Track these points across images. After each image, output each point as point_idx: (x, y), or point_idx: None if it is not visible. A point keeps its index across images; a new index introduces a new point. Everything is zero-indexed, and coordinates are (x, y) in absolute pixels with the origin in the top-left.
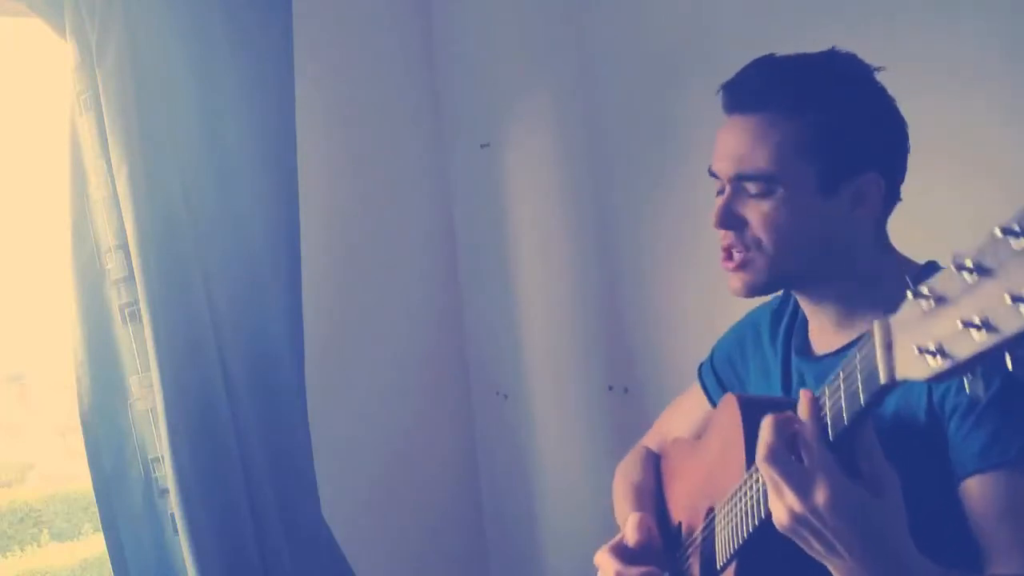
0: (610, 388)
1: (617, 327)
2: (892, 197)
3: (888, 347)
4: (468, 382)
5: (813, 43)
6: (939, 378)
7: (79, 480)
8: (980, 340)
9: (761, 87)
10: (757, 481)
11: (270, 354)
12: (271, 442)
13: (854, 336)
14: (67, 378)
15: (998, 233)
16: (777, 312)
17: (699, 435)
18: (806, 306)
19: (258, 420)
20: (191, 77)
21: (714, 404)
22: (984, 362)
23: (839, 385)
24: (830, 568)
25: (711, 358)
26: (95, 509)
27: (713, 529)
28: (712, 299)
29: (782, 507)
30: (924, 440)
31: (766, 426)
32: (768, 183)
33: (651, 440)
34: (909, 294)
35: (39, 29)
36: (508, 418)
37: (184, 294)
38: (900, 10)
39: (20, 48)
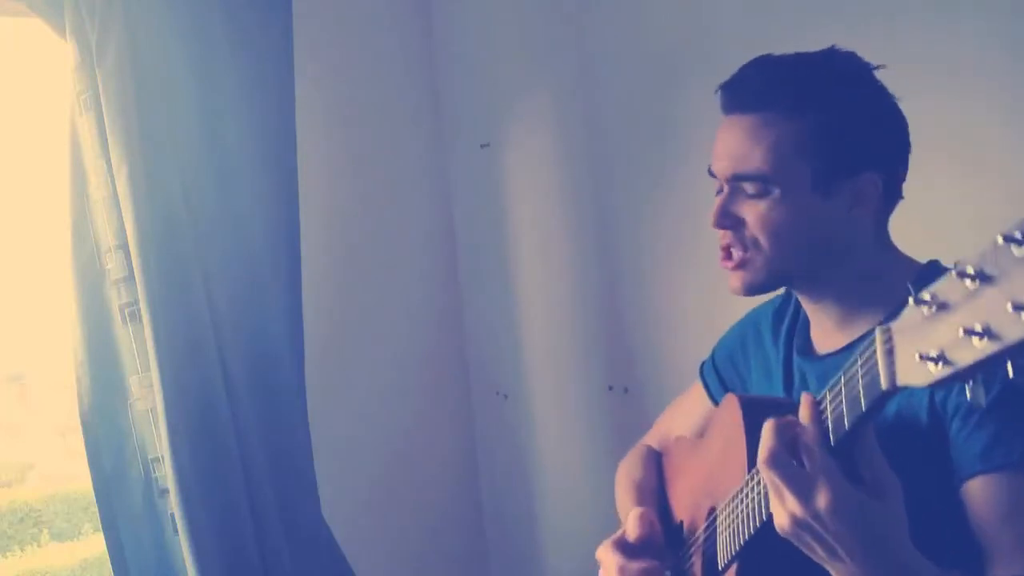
0: (610, 388)
1: (617, 327)
2: (892, 196)
3: (889, 353)
4: (468, 382)
5: (813, 43)
6: (940, 385)
7: (79, 480)
8: (981, 348)
9: (759, 87)
10: (759, 483)
11: (270, 354)
12: (271, 442)
13: (855, 336)
14: (67, 378)
15: (1000, 240)
16: (779, 311)
17: (701, 434)
18: (807, 305)
19: (258, 420)
20: (191, 77)
21: (716, 403)
22: (985, 369)
23: (840, 389)
24: (832, 572)
25: (713, 357)
26: (95, 509)
27: (715, 529)
28: (712, 299)
29: (783, 511)
30: (926, 441)
31: (767, 430)
32: (764, 183)
33: (653, 438)
34: (911, 300)
35: (39, 29)
36: (508, 418)
37: (184, 294)
38: (900, 10)
39: (20, 48)
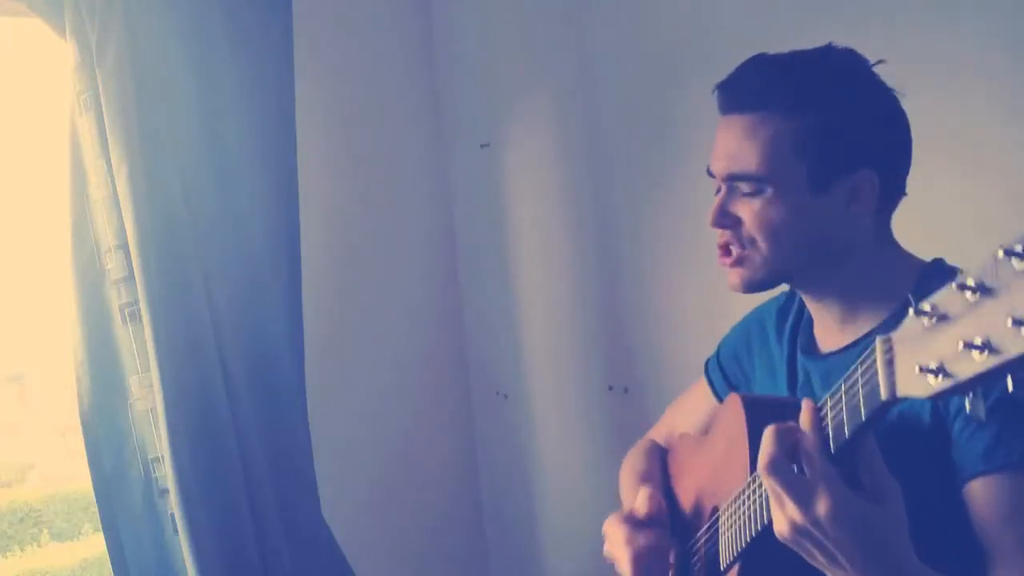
0: (610, 388)
1: (617, 327)
2: (892, 193)
3: (889, 363)
4: (468, 382)
5: (813, 43)
6: (939, 396)
7: (79, 480)
8: (981, 361)
9: (755, 87)
10: (760, 486)
11: (270, 354)
12: (271, 442)
13: (859, 334)
14: (67, 378)
15: (1000, 253)
16: (783, 309)
17: (705, 431)
18: (810, 303)
19: (258, 420)
20: (191, 77)
21: (720, 400)
22: (985, 383)
23: (841, 397)
24: None
25: (717, 354)
26: (95, 509)
27: (717, 529)
28: (712, 299)
29: (783, 518)
30: (928, 441)
31: (767, 436)
32: (757, 183)
33: (658, 433)
34: (911, 311)
35: (39, 29)
36: (508, 418)
37: (184, 294)
38: (900, 10)
39: (20, 48)
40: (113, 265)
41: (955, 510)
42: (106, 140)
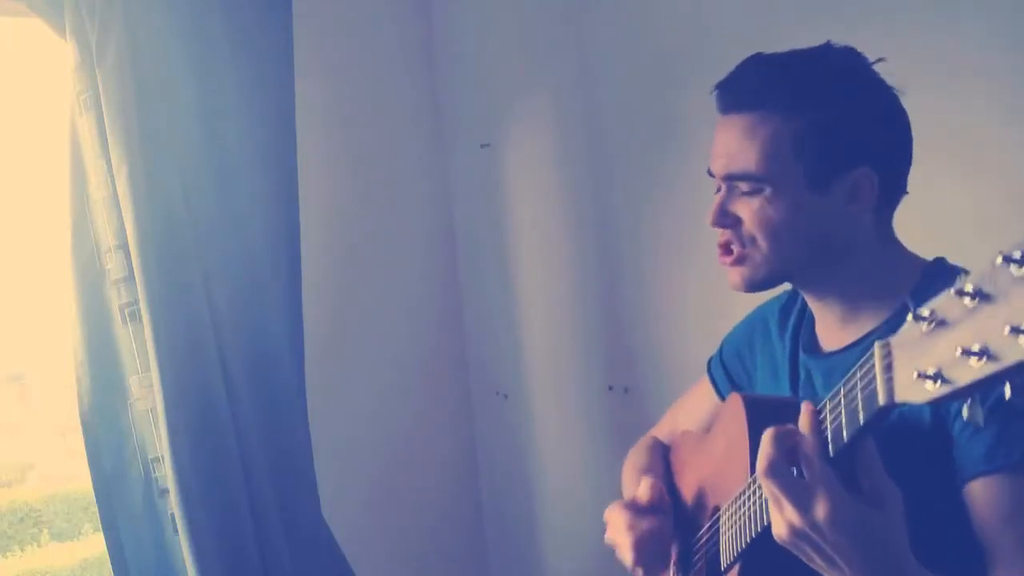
0: (610, 388)
1: (617, 327)
2: (893, 190)
3: (888, 368)
4: (468, 382)
5: (812, 43)
6: (937, 402)
7: (79, 480)
8: (979, 368)
9: (753, 86)
10: (760, 488)
11: (270, 354)
12: (271, 442)
13: (860, 333)
14: (67, 378)
15: (999, 260)
16: (785, 307)
17: (708, 429)
18: (811, 302)
19: (258, 420)
20: (191, 77)
21: (723, 398)
22: (983, 389)
23: (840, 401)
24: None
25: (720, 352)
26: (95, 509)
27: (718, 529)
28: (712, 299)
29: (782, 521)
30: (929, 441)
31: (766, 439)
32: (755, 182)
33: (660, 431)
34: (910, 316)
35: (39, 29)
36: (508, 418)
37: (184, 294)
38: (900, 10)
39: (20, 48)
40: (113, 265)
41: (955, 510)
42: (106, 140)
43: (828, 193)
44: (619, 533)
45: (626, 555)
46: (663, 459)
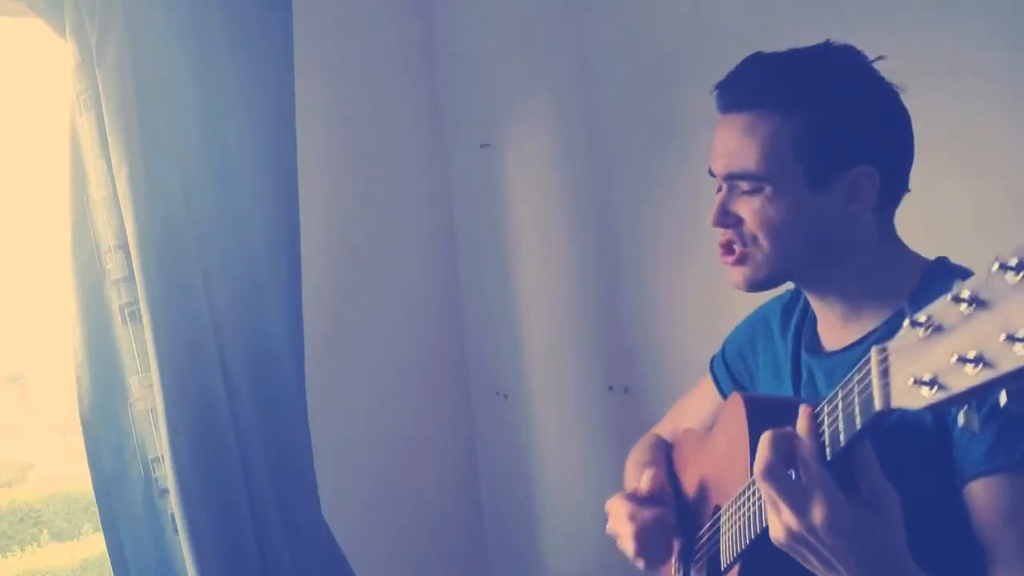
0: (610, 388)
1: (617, 327)
2: (894, 188)
3: (884, 373)
4: (468, 382)
5: (812, 43)
6: (933, 408)
7: (79, 480)
8: (974, 375)
9: (752, 86)
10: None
11: (270, 354)
12: (271, 442)
13: (862, 333)
14: (67, 378)
15: (995, 267)
16: (788, 306)
17: (710, 427)
18: (813, 301)
19: (258, 420)
20: (191, 77)
21: (725, 397)
22: (979, 396)
23: (838, 404)
24: None
25: (723, 350)
26: (95, 509)
27: (718, 528)
28: (712, 299)
29: (779, 524)
30: (929, 440)
31: (764, 442)
32: (756, 181)
33: (663, 429)
34: (906, 321)
35: (39, 29)
36: (508, 418)
37: (184, 294)
38: (900, 10)
39: (20, 48)
40: (113, 265)
41: (955, 510)
42: (106, 140)
43: (828, 191)
44: (620, 523)
45: (627, 545)
46: (666, 456)
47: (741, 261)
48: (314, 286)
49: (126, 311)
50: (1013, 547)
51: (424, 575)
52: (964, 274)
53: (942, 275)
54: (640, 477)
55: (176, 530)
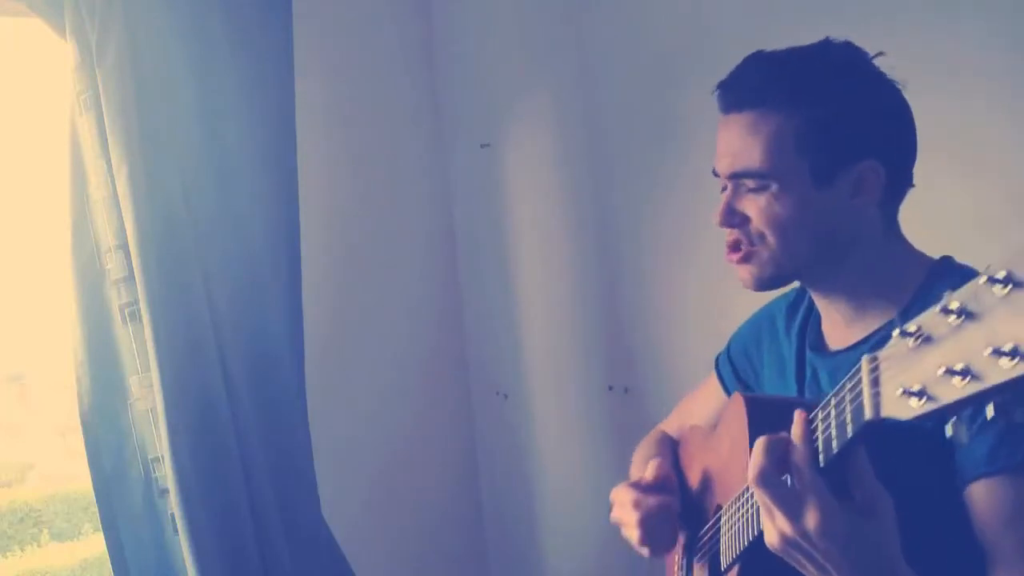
0: (610, 388)
1: (617, 327)
2: (899, 183)
3: (875, 383)
4: (468, 382)
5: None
6: (922, 419)
7: (79, 480)
8: (961, 387)
9: (754, 84)
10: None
11: (270, 354)
12: (271, 442)
13: (867, 332)
14: (67, 378)
15: (983, 279)
16: (793, 305)
17: (715, 425)
18: (818, 300)
19: (258, 420)
20: (191, 77)
21: (730, 394)
22: (967, 407)
23: (831, 411)
24: None
25: (728, 349)
26: (95, 509)
27: (719, 528)
28: (712, 299)
29: (773, 529)
30: (930, 442)
31: (758, 448)
32: (761, 179)
33: (670, 425)
34: (896, 331)
35: (39, 29)
36: (508, 418)
37: (184, 294)
38: (900, 10)
39: (20, 48)
40: (113, 265)
41: (955, 513)
42: (106, 140)
43: (833, 187)
44: (625, 511)
45: (632, 532)
46: (671, 452)
47: (748, 259)
48: (314, 286)
49: (126, 311)
50: (1014, 549)
51: (424, 575)
52: (968, 274)
53: (947, 275)
54: (645, 469)
55: (176, 530)
